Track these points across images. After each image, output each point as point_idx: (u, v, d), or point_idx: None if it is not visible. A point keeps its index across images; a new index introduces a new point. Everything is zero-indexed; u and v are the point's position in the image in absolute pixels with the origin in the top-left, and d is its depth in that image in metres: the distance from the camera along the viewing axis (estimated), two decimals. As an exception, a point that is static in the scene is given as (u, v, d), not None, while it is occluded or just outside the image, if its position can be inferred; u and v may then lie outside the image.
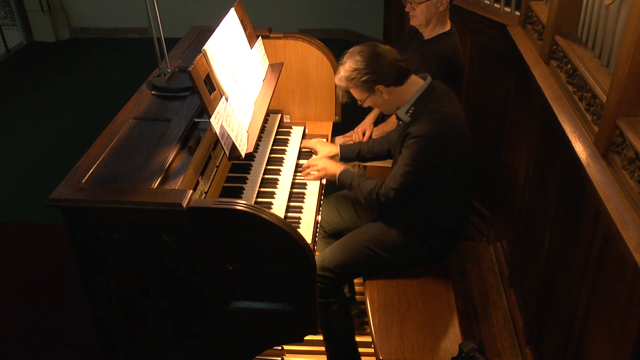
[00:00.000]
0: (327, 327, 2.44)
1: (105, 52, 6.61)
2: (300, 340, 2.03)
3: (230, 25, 2.39)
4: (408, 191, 2.23)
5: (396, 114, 2.28)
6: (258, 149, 2.62)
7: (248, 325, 1.92)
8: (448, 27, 2.78)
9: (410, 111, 2.21)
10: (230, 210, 1.67)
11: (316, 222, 2.29)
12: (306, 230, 2.20)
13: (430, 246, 2.36)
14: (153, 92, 2.35)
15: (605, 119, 1.76)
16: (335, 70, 2.94)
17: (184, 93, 2.32)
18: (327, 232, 2.68)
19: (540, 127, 2.46)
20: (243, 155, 2.10)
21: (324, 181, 2.54)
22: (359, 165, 3.09)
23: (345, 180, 2.41)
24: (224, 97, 2.13)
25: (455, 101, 2.28)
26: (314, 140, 2.76)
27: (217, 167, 2.28)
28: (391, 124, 2.96)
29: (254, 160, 2.53)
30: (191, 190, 1.71)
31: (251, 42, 2.60)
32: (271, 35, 2.88)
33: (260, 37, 2.72)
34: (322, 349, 2.58)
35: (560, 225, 2.19)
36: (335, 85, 2.31)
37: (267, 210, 1.71)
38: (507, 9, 3.06)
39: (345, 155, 2.67)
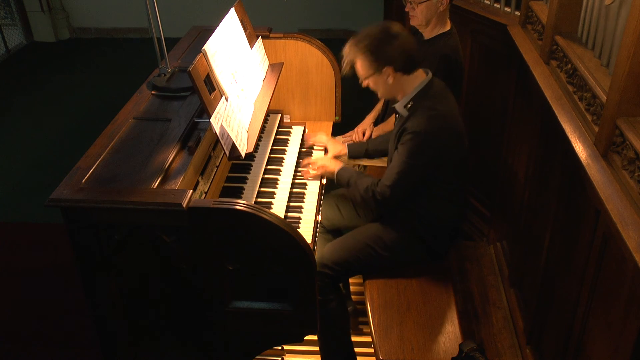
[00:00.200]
0: (323, 325, 2.44)
1: (105, 52, 6.61)
2: (300, 340, 2.03)
3: (230, 25, 2.39)
4: (404, 189, 2.23)
5: (393, 107, 2.28)
6: (258, 149, 2.62)
7: (248, 325, 1.92)
8: (448, 27, 2.78)
9: (409, 105, 2.21)
10: (230, 210, 1.67)
11: (316, 222, 2.29)
12: (306, 230, 2.20)
13: (429, 245, 2.37)
14: (153, 92, 2.35)
15: (605, 119, 1.76)
16: (335, 70, 2.97)
17: (184, 93, 2.32)
18: (325, 228, 2.68)
19: (540, 127, 2.46)
20: (243, 155, 2.10)
21: (324, 181, 2.55)
22: (359, 165, 3.09)
23: (342, 178, 2.41)
24: (224, 97, 2.13)
25: (452, 100, 2.28)
26: (324, 137, 2.76)
27: (217, 167, 2.28)
28: (391, 124, 2.96)
29: (254, 160, 2.53)
30: (191, 190, 1.71)
31: (251, 42, 2.60)
32: (271, 35, 2.88)
33: (260, 37, 2.72)
34: (322, 349, 2.58)
35: (560, 225, 2.19)
36: (346, 53, 2.21)
37: (267, 210, 1.72)
38: (507, 9, 3.05)
39: (354, 154, 2.69)
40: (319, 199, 2.43)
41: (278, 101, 3.04)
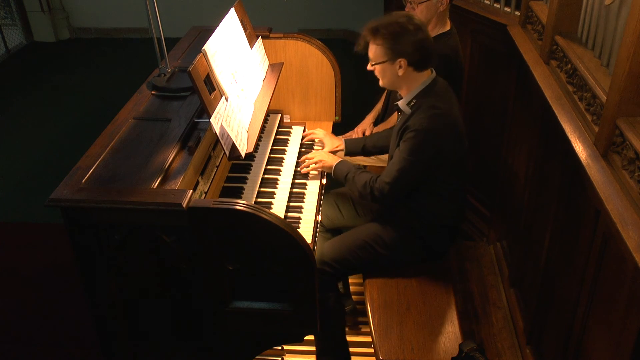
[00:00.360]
0: (320, 323, 2.45)
1: (105, 52, 6.61)
2: (300, 340, 2.03)
3: (230, 25, 2.39)
4: (403, 186, 2.23)
5: (396, 105, 2.28)
6: (258, 149, 2.62)
7: (248, 325, 1.92)
8: (448, 27, 2.78)
9: (412, 103, 2.20)
10: (230, 210, 1.67)
11: (316, 222, 2.29)
12: (306, 230, 2.20)
13: (429, 244, 2.37)
14: (153, 92, 2.35)
15: (605, 119, 1.76)
16: (335, 70, 2.96)
17: (184, 93, 2.32)
18: (325, 227, 2.68)
19: (540, 127, 2.46)
20: (243, 155, 2.10)
21: (324, 181, 2.55)
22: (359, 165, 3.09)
23: (341, 172, 2.41)
24: (224, 97, 2.13)
25: (454, 99, 2.28)
26: (322, 132, 2.76)
27: (217, 167, 2.28)
28: (391, 123, 2.96)
29: (254, 160, 2.53)
30: (191, 190, 1.71)
31: (251, 42, 2.60)
32: (271, 35, 2.88)
33: (260, 37, 2.72)
34: (322, 349, 2.58)
35: (560, 225, 2.19)
36: (365, 33, 2.17)
37: (267, 210, 1.71)
38: (507, 9, 3.06)
39: (351, 150, 2.68)
40: (319, 199, 2.43)
41: (278, 101, 3.04)
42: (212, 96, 2.05)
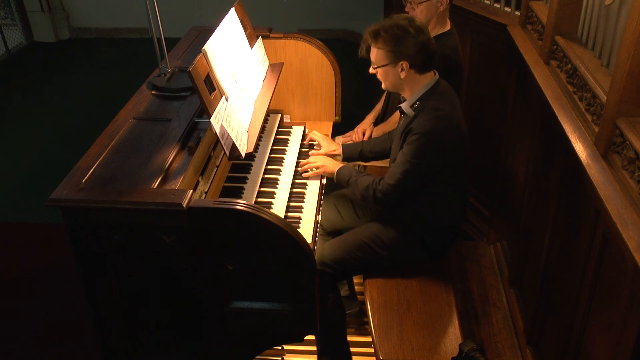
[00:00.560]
0: (320, 323, 2.44)
1: (105, 52, 6.60)
2: (300, 340, 2.03)
3: (230, 25, 2.39)
4: (406, 188, 2.23)
5: (400, 107, 2.28)
6: (258, 149, 2.62)
7: (248, 325, 1.92)
8: (448, 27, 2.78)
9: (416, 105, 2.20)
10: (230, 210, 1.67)
11: (316, 222, 2.29)
12: (306, 230, 2.20)
13: (428, 245, 2.37)
14: (153, 92, 2.35)
15: (605, 119, 1.76)
16: (335, 70, 2.96)
17: (184, 93, 2.32)
18: (325, 230, 2.68)
19: (540, 127, 2.46)
20: (243, 155, 2.10)
21: (324, 181, 2.55)
22: (359, 165, 3.09)
23: (343, 177, 2.41)
24: (224, 97, 2.13)
25: (457, 101, 2.29)
26: (319, 135, 2.76)
27: (217, 167, 2.28)
28: (391, 124, 2.96)
29: (254, 160, 2.53)
30: (191, 190, 1.71)
31: (251, 42, 2.60)
32: (271, 35, 2.88)
33: (260, 37, 2.72)
34: (322, 349, 2.58)
35: (560, 225, 2.19)
36: (367, 36, 2.17)
37: (267, 210, 1.71)
38: (507, 9, 3.06)
39: (348, 155, 2.67)
40: (319, 199, 2.43)
41: (278, 101, 3.04)
42: (212, 96, 2.05)
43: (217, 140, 2.02)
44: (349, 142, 3.00)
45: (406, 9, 2.77)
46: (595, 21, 2.07)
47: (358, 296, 2.94)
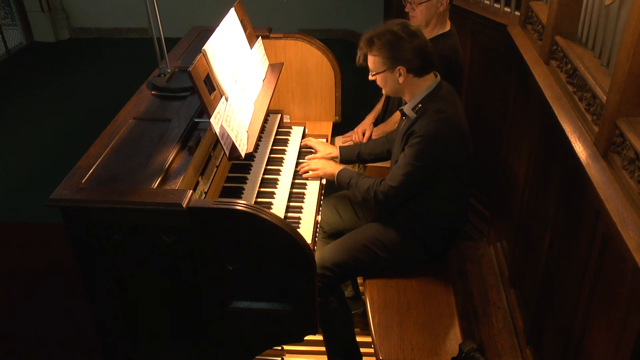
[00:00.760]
0: (326, 326, 2.45)
1: (105, 52, 6.60)
2: (300, 340, 2.03)
3: (230, 25, 2.39)
4: (408, 190, 2.23)
5: (401, 110, 2.27)
6: (258, 149, 2.62)
7: (248, 325, 1.92)
8: (448, 27, 2.77)
9: (417, 108, 2.20)
10: (230, 210, 1.67)
11: (316, 222, 2.29)
12: (306, 230, 2.20)
13: (429, 246, 2.36)
14: (153, 92, 2.35)
15: (605, 119, 1.76)
16: (335, 70, 2.96)
17: (184, 93, 2.32)
18: (326, 232, 2.68)
19: (540, 127, 2.46)
20: (243, 155, 2.10)
21: (324, 181, 2.54)
22: (359, 166, 3.09)
23: (343, 179, 2.41)
24: (224, 97, 2.13)
25: (459, 103, 2.29)
26: (315, 140, 2.76)
27: (217, 167, 2.28)
28: (391, 124, 2.96)
29: (254, 160, 2.53)
30: (191, 190, 1.71)
31: (251, 42, 2.60)
32: (271, 35, 2.88)
33: (260, 37, 2.72)
34: (322, 349, 2.58)
35: (560, 225, 2.19)
36: (362, 45, 2.18)
37: (267, 210, 1.72)
38: (507, 9, 3.06)
39: (345, 157, 2.67)
40: (319, 199, 2.43)
41: (278, 101, 3.04)
42: (212, 96, 2.05)
43: (217, 141, 2.02)
44: (348, 143, 3.00)
45: (406, 9, 2.77)
46: (595, 21, 2.07)
47: (362, 296, 2.94)
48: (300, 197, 2.41)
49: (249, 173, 2.44)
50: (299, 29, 6.13)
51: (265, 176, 2.47)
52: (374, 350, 2.11)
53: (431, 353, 2.07)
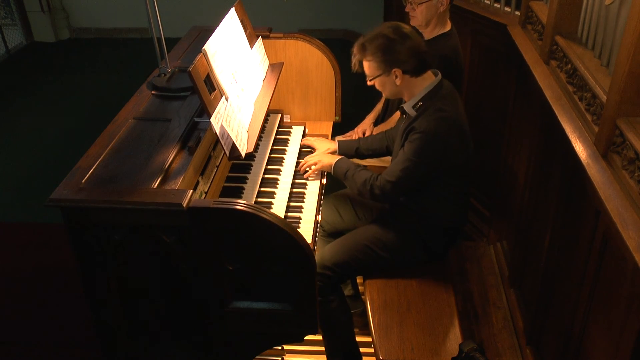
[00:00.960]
0: (326, 326, 2.45)
1: (105, 52, 6.61)
2: (300, 340, 2.03)
3: (230, 25, 2.39)
4: (404, 186, 2.23)
5: (402, 108, 2.28)
6: (258, 148, 2.62)
7: (248, 325, 1.92)
8: (448, 27, 2.77)
9: (418, 106, 2.20)
10: (230, 210, 1.67)
11: (316, 222, 2.29)
12: (306, 230, 2.20)
13: (429, 245, 2.37)
14: (153, 92, 2.35)
15: (605, 119, 1.76)
16: (335, 70, 2.96)
17: (184, 93, 2.32)
18: (326, 231, 2.68)
19: (540, 127, 2.46)
20: (243, 155, 2.10)
21: (324, 181, 2.55)
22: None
23: (340, 170, 2.41)
24: (224, 97, 2.13)
25: (460, 102, 2.29)
26: (313, 138, 2.76)
27: (217, 167, 2.28)
28: (391, 124, 2.96)
29: (254, 160, 2.53)
30: (191, 190, 1.71)
31: (251, 42, 2.60)
32: (271, 35, 2.88)
33: (260, 37, 2.72)
34: (322, 348, 2.58)
35: (560, 225, 2.19)
36: (355, 51, 2.20)
37: (267, 210, 1.71)
38: (507, 9, 3.06)
39: (344, 152, 2.66)
40: (319, 199, 2.43)
41: (278, 101, 3.04)
42: (212, 96, 2.05)
43: (217, 140, 2.02)
44: (347, 139, 2.99)
45: (406, 9, 2.77)
46: (595, 21, 2.07)
47: (363, 296, 2.94)
48: (300, 197, 2.41)
49: (249, 173, 2.44)
50: (299, 29, 6.12)
51: (266, 176, 2.47)
52: (374, 350, 2.11)
53: (431, 353, 2.07)
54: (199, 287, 1.84)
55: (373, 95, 3.51)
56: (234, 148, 2.06)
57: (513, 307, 2.88)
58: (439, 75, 2.24)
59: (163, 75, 2.42)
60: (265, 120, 2.81)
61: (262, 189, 2.38)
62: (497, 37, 3.05)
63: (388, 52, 2.12)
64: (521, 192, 2.79)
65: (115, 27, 6.93)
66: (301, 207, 2.34)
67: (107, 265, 1.82)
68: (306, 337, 2.10)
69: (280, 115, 2.90)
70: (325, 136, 2.89)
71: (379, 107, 3.20)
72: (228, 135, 2.02)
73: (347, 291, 2.83)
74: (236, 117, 2.13)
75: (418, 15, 2.71)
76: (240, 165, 2.47)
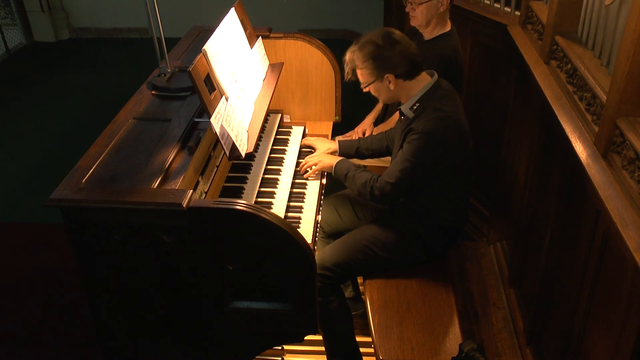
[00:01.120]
0: (326, 326, 2.45)
1: (105, 52, 6.61)
2: (300, 340, 2.03)
3: (230, 25, 2.39)
4: (404, 186, 2.23)
5: (400, 109, 2.28)
6: (258, 148, 2.62)
7: (248, 325, 1.92)
8: (448, 27, 2.77)
9: (415, 107, 2.20)
10: (230, 210, 1.67)
11: (316, 222, 2.29)
12: (306, 230, 2.20)
13: (429, 245, 2.37)
14: (153, 92, 2.35)
15: (605, 119, 1.76)
16: (335, 70, 2.96)
17: (184, 93, 2.32)
18: (326, 232, 2.68)
19: (540, 127, 2.46)
20: (243, 155, 2.10)
21: (324, 181, 2.55)
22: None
23: (341, 170, 2.41)
24: (224, 97, 2.13)
25: (458, 101, 2.29)
26: (313, 138, 2.76)
27: (217, 167, 2.28)
28: (391, 124, 2.96)
29: (254, 160, 2.53)
30: (191, 190, 1.70)
31: (251, 42, 2.60)
32: (271, 35, 2.88)
33: (260, 37, 2.72)
34: (322, 348, 2.58)
35: (560, 225, 2.19)
36: (347, 60, 2.22)
37: (267, 210, 1.71)
38: (507, 9, 3.05)
39: (344, 152, 2.67)
40: (319, 199, 2.43)
41: (278, 101, 3.04)
42: (212, 96, 2.05)
43: (217, 140, 2.02)
44: (348, 139, 2.99)
45: (406, 9, 2.77)
46: (595, 21, 2.07)
47: (362, 296, 2.94)
48: (300, 197, 2.41)
49: (249, 173, 2.44)
50: (299, 29, 6.12)
51: (266, 176, 2.47)
52: (374, 350, 2.11)
53: (431, 353, 2.07)
54: (199, 287, 1.84)
55: (373, 95, 3.51)
56: (234, 148, 2.06)
57: (513, 307, 2.88)
58: (435, 76, 2.24)
59: (163, 75, 2.42)
60: (265, 120, 2.81)
61: (262, 189, 2.38)
62: (497, 37, 3.05)
63: (378, 58, 2.13)
64: (521, 192, 2.79)
65: (115, 27, 6.93)
66: (301, 207, 2.34)
67: (107, 265, 1.82)
68: (306, 337, 2.10)
69: (280, 115, 2.90)
70: (325, 136, 2.89)
71: (379, 107, 3.20)
72: (228, 135, 2.02)
73: (348, 293, 2.83)
74: (236, 117, 2.13)
75: (418, 15, 2.71)
76: (240, 165, 2.47)
